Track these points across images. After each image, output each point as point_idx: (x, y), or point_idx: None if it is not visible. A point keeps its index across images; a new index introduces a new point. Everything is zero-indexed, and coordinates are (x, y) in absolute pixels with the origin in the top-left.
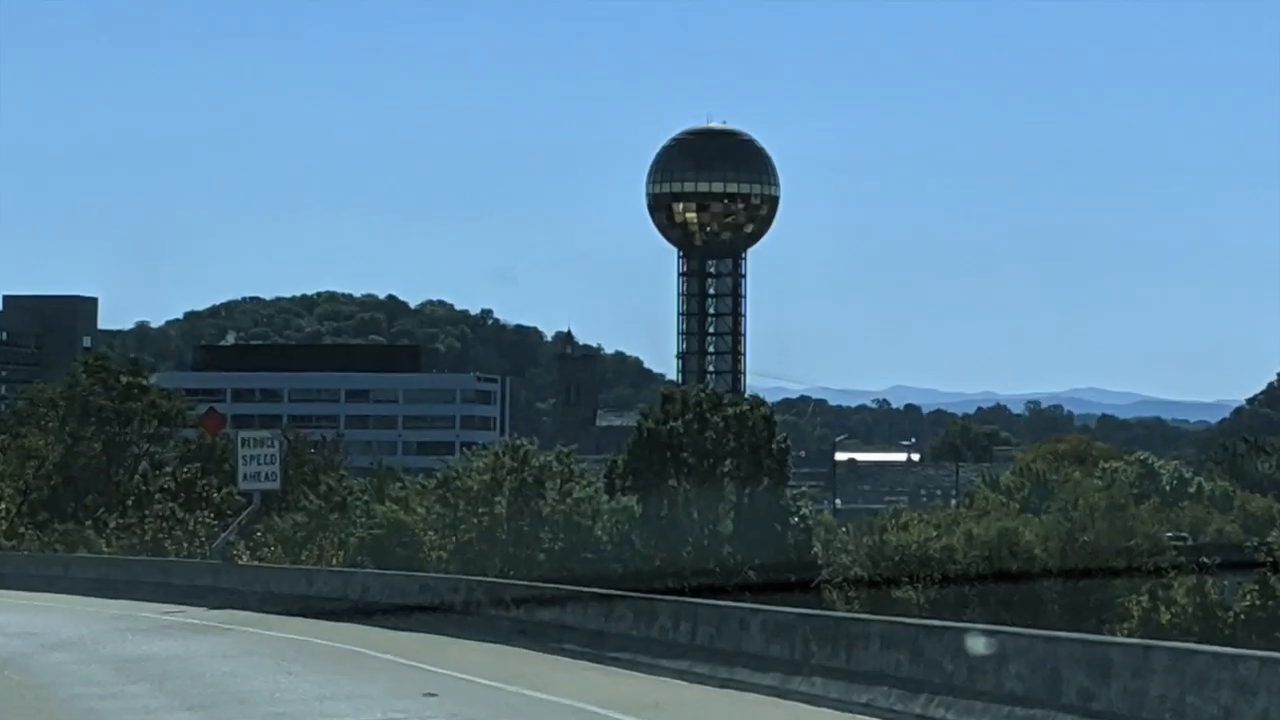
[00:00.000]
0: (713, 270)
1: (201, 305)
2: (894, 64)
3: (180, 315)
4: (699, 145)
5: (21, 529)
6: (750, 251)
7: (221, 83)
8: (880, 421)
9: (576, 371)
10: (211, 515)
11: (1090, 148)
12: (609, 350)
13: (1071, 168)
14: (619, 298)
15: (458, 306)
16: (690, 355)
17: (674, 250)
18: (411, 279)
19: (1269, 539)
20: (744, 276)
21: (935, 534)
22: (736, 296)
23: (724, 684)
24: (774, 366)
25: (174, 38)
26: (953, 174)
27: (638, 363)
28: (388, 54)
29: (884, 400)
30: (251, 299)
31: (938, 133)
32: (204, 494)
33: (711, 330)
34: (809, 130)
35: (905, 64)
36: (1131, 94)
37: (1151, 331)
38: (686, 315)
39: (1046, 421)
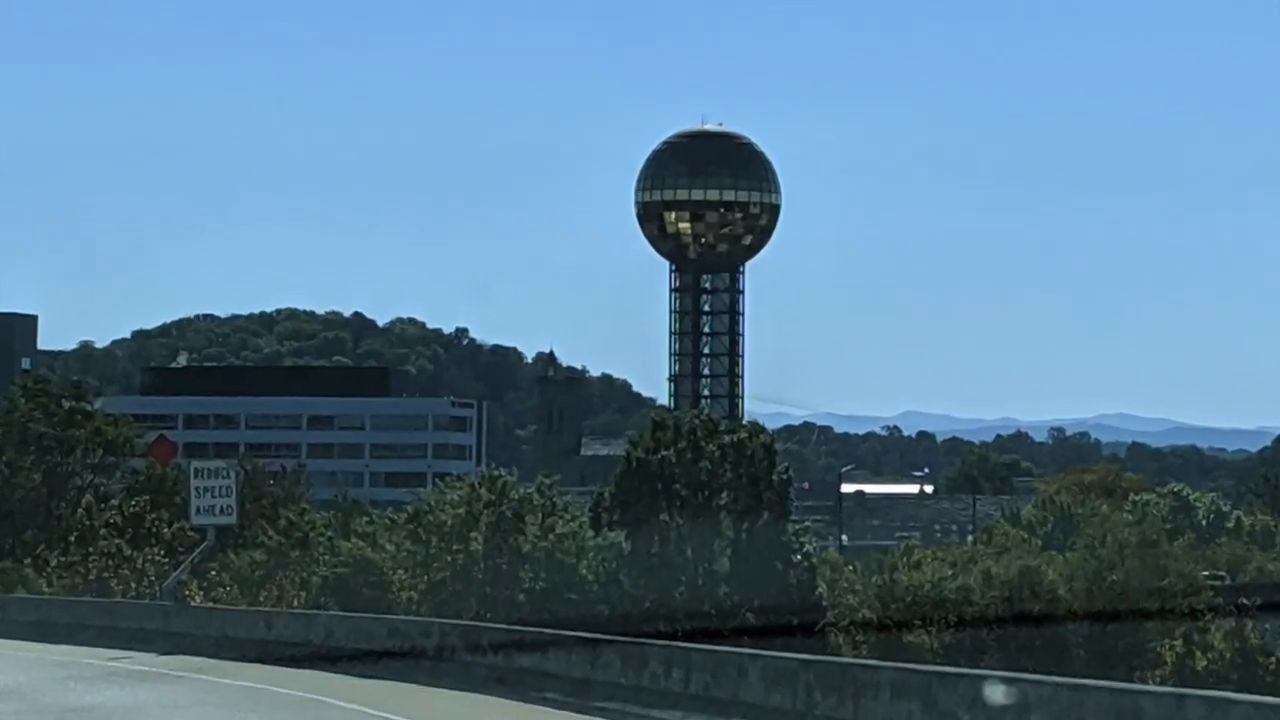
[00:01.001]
0: (708, 285)
1: (151, 323)
2: (904, 61)
3: (127, 334)
4: (693, 149)
5: None
6: (749, 265)
7: (171, 85)
8: (890, 450)
9: (559, 396)
10: (162, 552)
11: (1118, 151)
12: (595, 373)
13: (1099, 173)
14: (606, 316)
15: (430, 325)
16: (683, 378)
17: (665, 264)
18: (380, 295)
19: None
20: (742, 292)
21: (950, 573)
22: (734, 314)
23: None
24: (775, 390)
25: (119, 39)
26: (968, 180)
27: (626, 386)
28: (352, 50)
29: (894, 427)
30: (205, 317)
31: (952, 136)
32: (153, 529)
33: (706, 351)
34: (812, 133)
35: (916, 61)
36: (1160, 93)
37: (1186, 352)
38: (679, 335)
39: (1071, 450)
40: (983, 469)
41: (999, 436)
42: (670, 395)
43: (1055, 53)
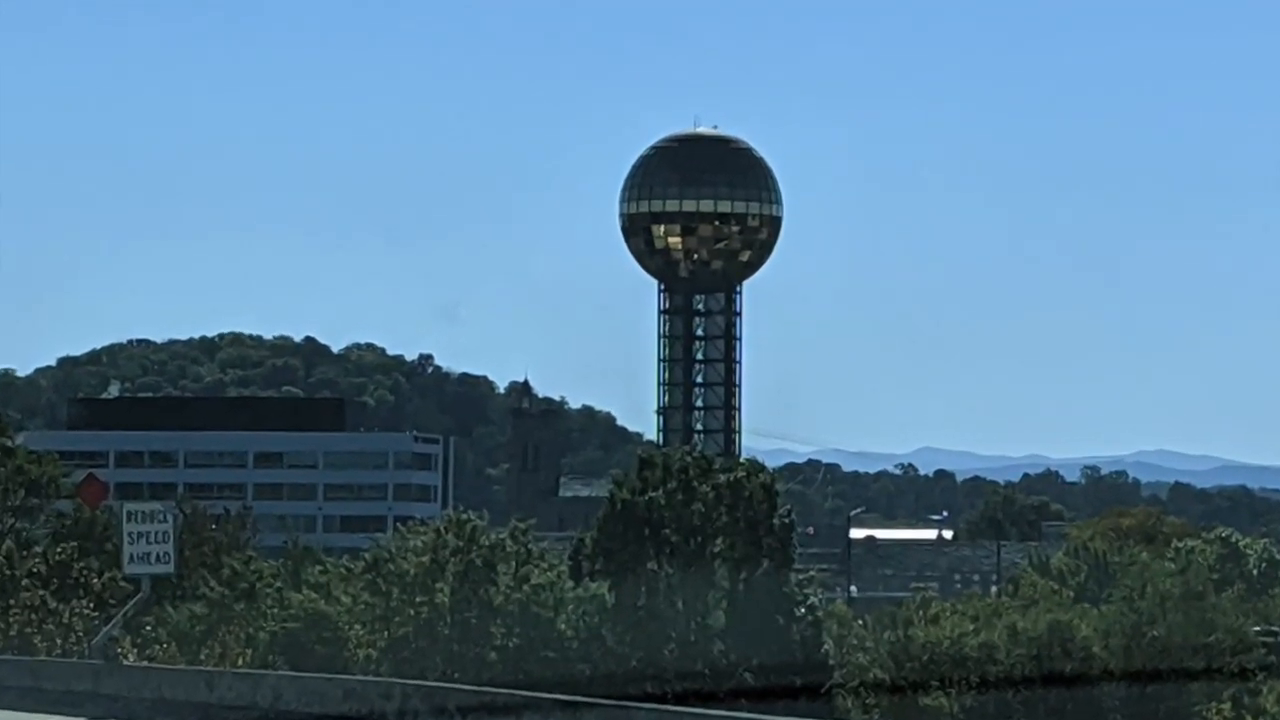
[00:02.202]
0: (701, 307)
1: (79, 350)
2: (920, 54)
3: (53, 362)
4: (684, 154)
5: None
6: (746, 284)
7: (98, 88)
8: (905, 491)
9: (535, 430)
10: (91, 605)
11: (1163, 159)
12: (574, 405)
13: (1139, 183)
14: (587, 341)
15: (390, 351)
16: (673, 411)
17: (654, 283)
18: (334, 318)
19: None
20: (739, 315)
21: (972, 628)
22: (730, 339)
23: None
24: (776, 424)
25: (42, 39)
26: (993, 190)
27: (609, 420)
28: (302, 49)
29: (909, 466)
30: (139, 342)
31: (975, 139)
32: (82, 579)
33: (699, 380)
34: (818, 136)
35: (934, 54)
36: (1210, 91)
37: (1235, 382)
38: (669, 362)
39: (1107, 491)
40: (1008, 512)
41: (1026, 476)
42: (659, 430)
43: (1095, 48)
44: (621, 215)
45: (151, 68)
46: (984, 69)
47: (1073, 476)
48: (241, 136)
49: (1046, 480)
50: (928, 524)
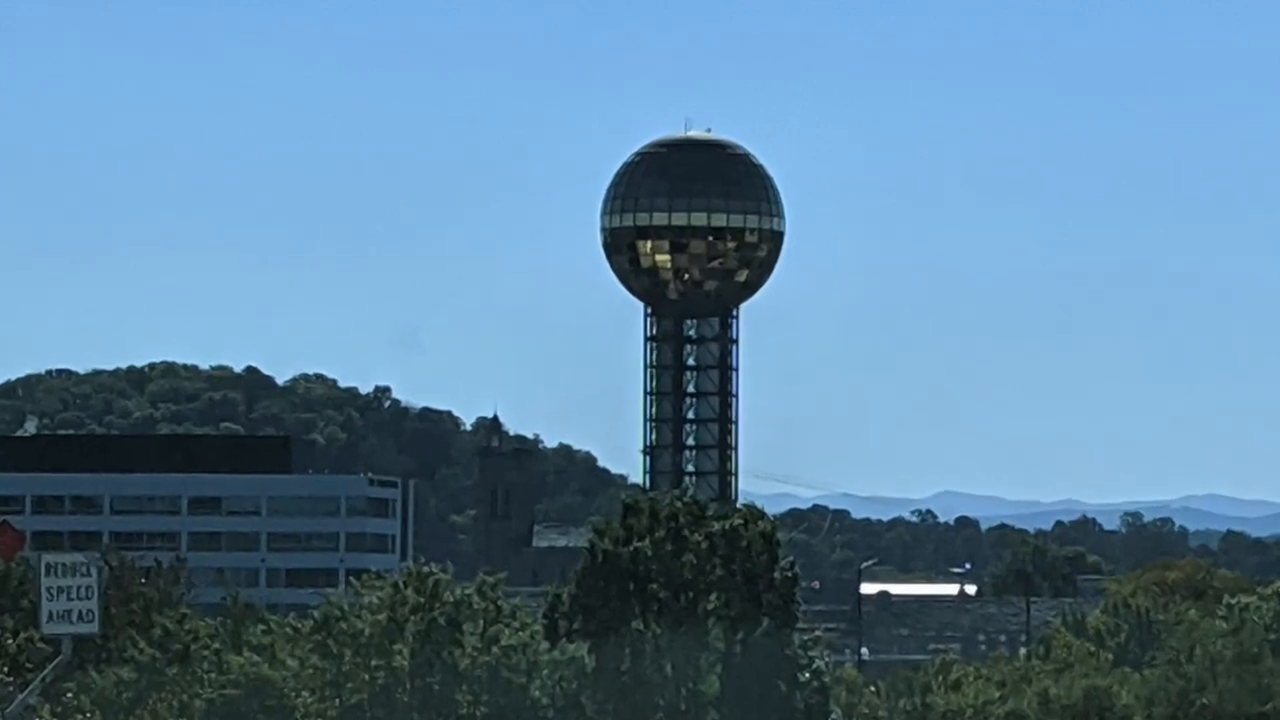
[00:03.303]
0: (693, 333)
1: None
2: (935, 50)
3: None
4: (674, 161)
5: None
6: (744, 307)
7: (16, 97)
8: (923, 541)
9: (505, 472)
10: (5, 669)
11: (1212, 169)
12: (549, 443)
13: (1182, 199)
14: (564, 372)
15: (342, 383)
16: (662, 450)
17: (640, 306)
18: (279, 346)
19: None
20: (735, 342)
21: (998, 695)
22: (725, 369)
23: None
24: (777, 466)
25: None
26: (1020, 203)
27: (589, 460)
28: (242, 44)
29: (927, 512)
30: (59, 373)
31: (998, 147)
32: None
33: (691, 416)
34: (824, 141)
35: (951, 50)
36: (1239, 94)
37: None
38: (656, 395)
39: (1150, 540)
40: (1039, 564)
41: (1059, 524)
42: (645, 471)
43: (1126, 47)
44: (603, 230)
45: (70, 71)
46: (1015, 60)
47: (1112, 524)
48: (173, 144)
49: (1082, 528)
50: (948, 578)
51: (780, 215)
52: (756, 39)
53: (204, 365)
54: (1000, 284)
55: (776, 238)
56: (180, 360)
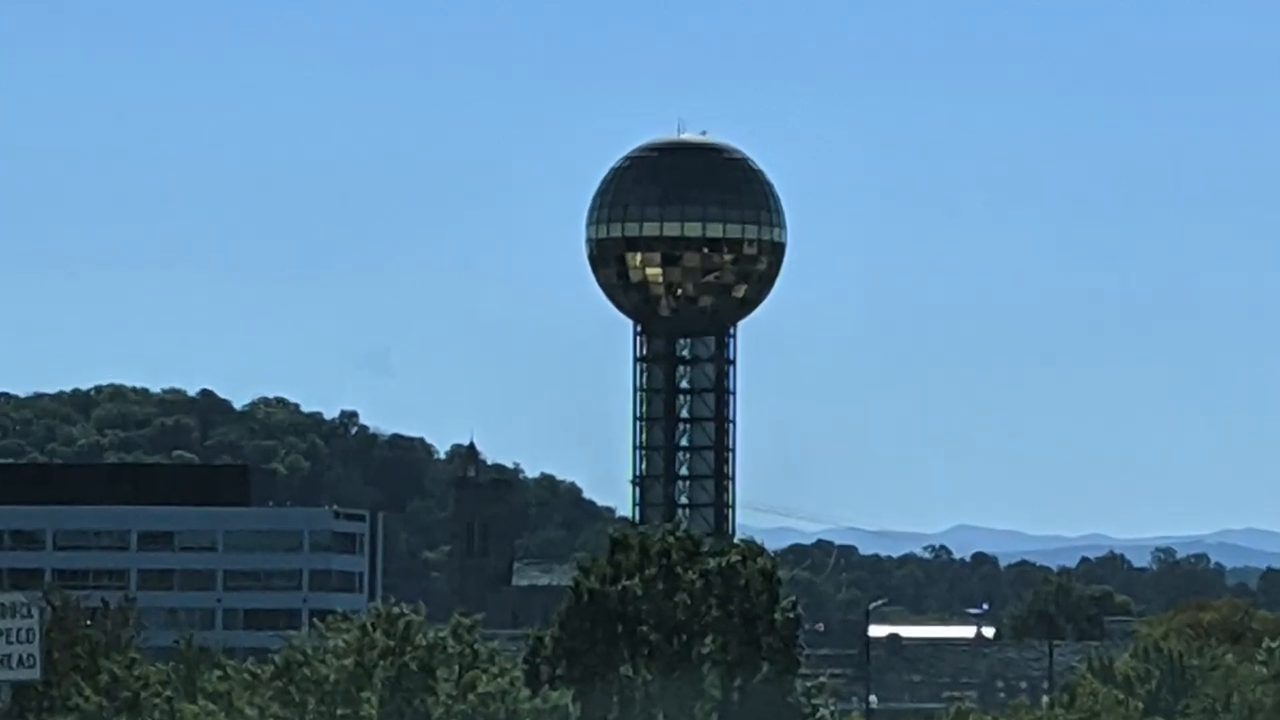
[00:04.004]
0: (686, 354)
1: None
2: (947, 49)
3: None
4: (666, 166)
5: None
6: (742, 325)
7: None
8: (936, 579)
9: (483, 504)
10: None
11: (1243, 171)
12: (530, 473)
13: (1210, 205)
14: (546, 395)
15: (305, 408)
16: (652, 480)
17: (629, 324)
18: (236, 367)
19: None
20: (733, 363)
21: None
22: (721, 392)
23: None
24: (778, 498)
25: None
26: (1041, 215)
27: (573, 492)
28: (194, 51)
29: (941, 548)
30: None
31: (1017, 153)
32: None
33: (684, 443)
34: (828, 145)
35: (963, 49)
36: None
37: None
38: (646, 421)
39: (1184, 578)
40: (1062, 605)
41: (1085, 561)
42: (634, 504)
43: (1146, 49)
44: (589, 241)
45: (7, 80)
46: (1029, 58)
47: (1141, 561)
48: (120, 151)
49: (1109, 566)
50: (964, 619)
51: (781, 225)
52: (755, 33)
53: (155, 388)
54: (1020, 300)
55: (777, 249)
56: (129, 383)
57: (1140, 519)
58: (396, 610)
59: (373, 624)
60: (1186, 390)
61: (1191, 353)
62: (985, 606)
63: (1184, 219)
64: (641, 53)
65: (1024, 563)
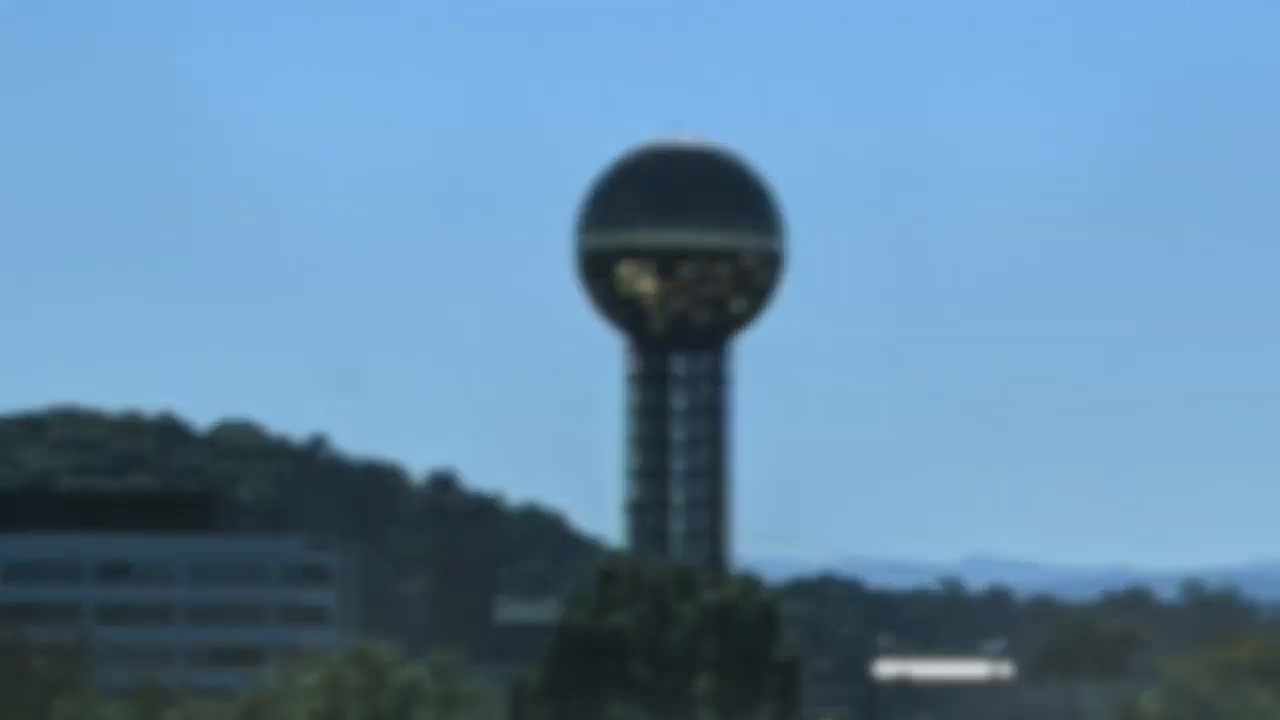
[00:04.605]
0: (680, 372)
1: None
2: (957, 45)
3: None
4: (658, 171)
5: None
6: (739, 341)
7: None
8: (949, 614)
9: (463, 535)
10: None
11: (1267, 182)
12: (514, 500)
13: (1237, 216)
14: (530, 417)
15: (272, 430)
16: (645, 509)
17: (618, 339)
18: (198, 387)
19: None
20: (729, 381)
21: None
22: (717, 413)
23: None
24: (779, 525)
25: None
26: (1056, 216)
27: (559, 521)
28: (152, 56)
29: (955, 580)
30: None
31: (1036, 151)
32: None
33: (678, 468)
34: (831, 147)
35: (976, 44)
36: None
37: None
38: (638, 444)
39: (1215, 613)
40: (1085, 640)
41: (1108, 593)
42: (625, 533)
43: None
44: (577, 251)
45: None
46: (1043, 51)
47: (1169, 594)
48: (77, 159)
49: (1134, 599)
50: (979, 656)
51: (780, 234)
52: (752, 33)
53: (111, 410)
54: (1039, 315)
55: (776, 260)
56: (85, 403)
57: (1167, 547)
58: (370, 647)
59: (345, 662)
60: (1216, 409)
61: (1222, 368)
62: (1001, 643)
63: (1208, 235)
64: (633, 51)
65: (1043, 596)
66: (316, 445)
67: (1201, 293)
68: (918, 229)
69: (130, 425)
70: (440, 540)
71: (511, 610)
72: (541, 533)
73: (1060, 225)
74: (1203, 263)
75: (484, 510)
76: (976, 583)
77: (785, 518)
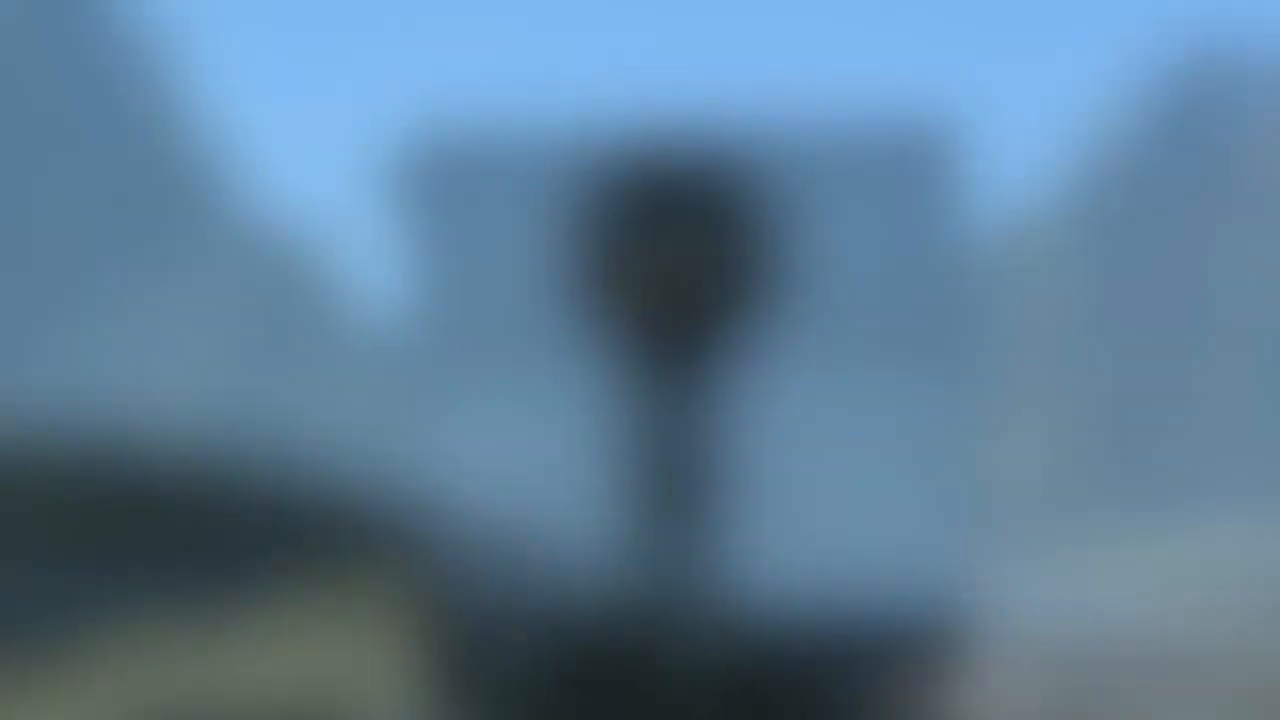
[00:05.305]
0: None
1: None
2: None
3: None
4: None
5: None
6: None
7: None
8: None
9: None
10: None
11: None
12: None
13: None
14: None
15: None
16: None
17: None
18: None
19: None
20: None
21: None
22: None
23: None
24: None
25: None
26: (1051, 206)
27: None
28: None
29: None
30: None
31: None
32: None
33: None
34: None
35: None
36: None
37: None
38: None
39: None
40: None
41: None
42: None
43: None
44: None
45: None
46: (1043, 51)
47: None
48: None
49: None
50: None
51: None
52: (753, 30)
53: None
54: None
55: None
56: None
57: None
58: None
59: None
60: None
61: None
62: None
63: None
64: (635, 52)
65: None
66: None
67: (1197, 288)
68: None
69: None
70: None
71: None
72: None
73: (1060, 225)
74: (1204, 261)
75: None
76: None
77: None
